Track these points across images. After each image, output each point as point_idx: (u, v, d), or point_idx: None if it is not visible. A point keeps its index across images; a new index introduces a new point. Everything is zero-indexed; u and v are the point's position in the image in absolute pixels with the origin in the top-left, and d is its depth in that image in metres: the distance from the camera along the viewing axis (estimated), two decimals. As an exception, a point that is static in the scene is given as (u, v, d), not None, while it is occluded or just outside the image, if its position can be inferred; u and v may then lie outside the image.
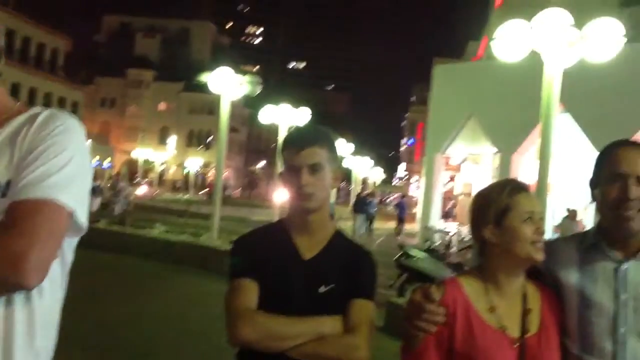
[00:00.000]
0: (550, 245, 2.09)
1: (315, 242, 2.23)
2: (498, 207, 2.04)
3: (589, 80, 14.39)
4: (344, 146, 39.19)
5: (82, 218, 1.55)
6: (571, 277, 2.10)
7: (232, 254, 2.26)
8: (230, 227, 17.35)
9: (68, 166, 1.51)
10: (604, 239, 2.10)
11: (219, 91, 14.89)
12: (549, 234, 13.75)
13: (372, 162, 59.06)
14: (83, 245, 1.78)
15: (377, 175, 70.60)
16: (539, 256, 2.01)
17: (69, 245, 1.62)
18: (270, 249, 2.20)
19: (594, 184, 2.15)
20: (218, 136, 15.93)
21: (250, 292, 2.12)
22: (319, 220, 2.24)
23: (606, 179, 2.08)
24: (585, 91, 15.97)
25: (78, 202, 1.52)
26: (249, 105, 71.05)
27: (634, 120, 18.02)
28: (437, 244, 14.54)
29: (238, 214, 28.55)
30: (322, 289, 2.15)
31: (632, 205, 2.00)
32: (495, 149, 22.92)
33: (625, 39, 8.65)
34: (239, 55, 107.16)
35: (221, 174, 15.66)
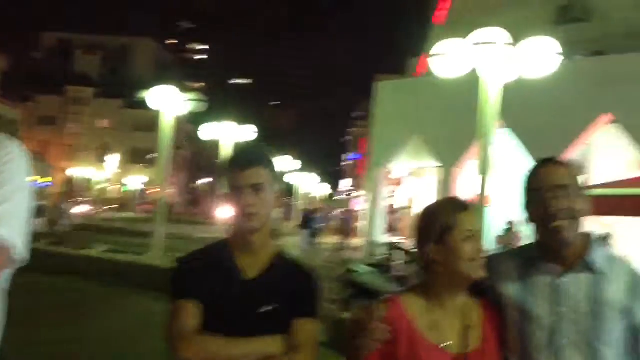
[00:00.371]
0: (491, 261, 2.14)
1: (258, 262, 2.23)
2: (441, 226, 2.07)
3: (528, 96, 14.76)
4: (290, 163, 39.21)
5: (23, 251, 1.52)
6: (511, 291, 2.15)
7: (173, 275, 2.24)
8: (174, 245, 17.09)
9: (10, 201, 1.48)
10: (542, 253, 2.15)
11: (158, 108, 14.74)
12: (491, 246, 14.01)
13: (318, 177, 59.28)
14: (22, 267, 1.74)
15: (323, 190, 70.84)
16: (479, 274, 2.05)
17: (7, 275, 1.59)
18: (212, 269, 2.19)
19: (525, 205, 2.22)
20: (159, 153, 15.75)
21: (191, 313, 2.10)
22: (261, 240, 2.24)
23: (531, 197, 2.16)
24: (523, 107, 16.35)
25: (18, 235, 1.50)
26: (194, 122, 70.45)
27: (571, 134, 18.58)
28: (381, 258, 14.63)
29: (181, 232, 28.15)
30: (265, 309, 2.15)
31: (559, 215, 2.07)
32: (437, 164, 23.26)
33: (561, 56, 8.92)
34: (183, 72, 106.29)
35: (164, 192, 15.47)
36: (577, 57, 17.33)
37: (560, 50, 9.01)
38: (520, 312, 2.11)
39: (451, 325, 2.06)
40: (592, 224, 2.18)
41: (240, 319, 2.11)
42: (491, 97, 9.10)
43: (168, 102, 14.75)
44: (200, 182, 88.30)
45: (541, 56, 8.94)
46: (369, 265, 11.40)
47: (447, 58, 9.07)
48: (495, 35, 8.83)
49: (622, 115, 17.80)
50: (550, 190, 2.10)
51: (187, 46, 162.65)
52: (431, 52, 9.29)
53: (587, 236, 2.15)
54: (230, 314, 2.12)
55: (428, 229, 2.11)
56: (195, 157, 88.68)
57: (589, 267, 2.09)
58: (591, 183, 15.77)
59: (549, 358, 2.04)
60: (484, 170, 9.10)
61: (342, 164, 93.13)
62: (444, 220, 2.08)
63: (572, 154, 18.85)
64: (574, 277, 2.09)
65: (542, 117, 18.61)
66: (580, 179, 2.16)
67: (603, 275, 2.07)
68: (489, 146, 9.14)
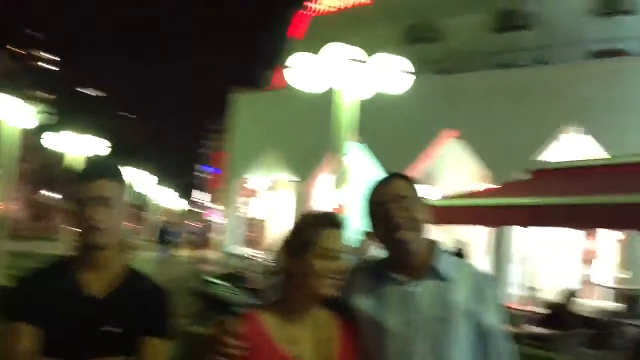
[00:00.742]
0: (346, 277, 2.15)
1: (106, 279, 2.12)
2: (300, 241, 2.06)
3: (380, 112, 15.27)
4: (145, 176, 38.16)
5: None
6: (364, 304, 2.18)
7: (8, 295, 2.08)
8: (16, 263, 16.06)
9: None
10: (391, 265, 2.20)
11: (1, 118, 13.87)
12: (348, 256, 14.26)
13: (174, 191, 58.13)
14: None
15: (179, 203, 69.45)
16: (329, 292, 2.05)
17: None
18: (52, 288, 2.06)
19: (370, 221, 2.27)
20: (2, 166, 14.79)
21: (25, 336, 1.97)
22: (110, 256, 2.14)
23: (375, 212, 2.22)
24: (377, 122, 16.88)
25: None
26: (40, 133, 66.77)
27: (420, 149, 19.44)
28: (236, 270, 14.54)
29: (26, 248, 26.53)
30: (112, 328, 2.05)
31: (403, 225, 2.13)
32: (293, 177, 23.50)
33: (413, 74, 9.28)
34: (32, 83, 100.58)
35: (7, 207, 14.52)
36: (425, 75, 18.16)
37: (411, 68, 9.37)
38: (373, 324, 2.14)
39: (308, 339, 2.06)
40: (441, 233, 2.27)
41: (84, 339, 2.00)
42: (346, 112, 9.30)
43: (12, 113, 13.91)
44: (47, 195, 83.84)
45: (393, 73, 9.24)
46: (224, 277, 11.28)
47: (302, 71, 9.18)
48: (349, 51, 9.04)
49: (465, 130, 18.86)
50: (392, 202, 2.16)
51: (36, 54, 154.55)
52: (286, 65, 9.37)
53: (432, 244, 2.23)
54: (72, 334, 2.00)
55: (290, 242, 2.10)
56: (43, 169, 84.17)
57: (435, 274, 2.16)
58: (439, 194, 16.55)
59: None
60: (339, 184, 9.28)
61: (199, 176, 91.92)
62: (304, 236, 2.07)
63: (421, 167, 19.74)
64: (422, 285, 2.15)
65: (394, 132, 19.34)
66: (420, 191, 2.24)
67: (449, 281, 2.15)
68: (344, 160, 9.34)
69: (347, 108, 9.31)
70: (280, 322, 2.05)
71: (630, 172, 8.20)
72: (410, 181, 2.26)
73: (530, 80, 18.55)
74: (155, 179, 41.61)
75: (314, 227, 2.09)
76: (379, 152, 19.69)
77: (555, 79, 17.92)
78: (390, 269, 2.19)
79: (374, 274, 2.23)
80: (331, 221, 2.13)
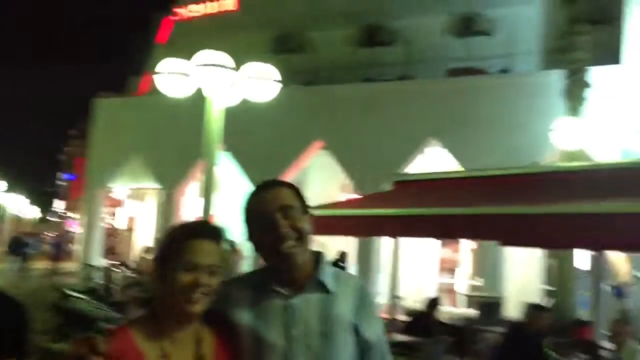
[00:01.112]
0: (223, 289, 2.04)
1: None
2: (167, 253, 1.94)
3: (248, 121, 15.22)
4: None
5: None
6: (245, 318, 2.08)
7: None
8: None
9: None
10: (273, 277, 2.11)
11: None
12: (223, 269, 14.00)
13: (27, 199, 55.03)
14: None
15: (34, 212, 65.96)
16: (194, 309, 1.92)
17: None
18: None
19: (249, 230, 2.16)
20: None
21: None
22: None
23: (256, 221, 2.11)
24: (243, 131, 16.81)
25: None
26: None
27: (287, 159, 19.56)
28: (98, 282, 13.96)
29: None
30: None
31: (289, 236, 2.05)
32: (157, 185, 22.91)
33: (281, 83, 9.30)
34: None
35: None
36: (293, 86, 18.30)
37: (279, 77, 9.38)
38: (253, 338, 2.05)
39: (182, 356, 1.94)
40: (319, 244, 2.21)
41: None
42: (215, 120, 9.17)
43: None
44: None
45: (262, 82, 9.22)
46: (85, 290, 10.76)
47: (171, 77, 8.96)
48: (217, 58, 8.92)
49: (332, 141, 19.19)
50: (278, 211, 2.06)
51: None
52: (155, 71, 9.12)
53: (317, 255, 2.16)
54: None
55: (157, 254, 1.97)
56: None
57: (320, 287, 2.09)
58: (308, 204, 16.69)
59: None
60: (207, 193, 9.10)
61: (57, 184, 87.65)
62: (171, 248, 1.95)
63: (289, 178, 19.85)
64: (304, 298, 2.07)
65: (262, 142, 19.36)
66: (304, 200, 2.17)
67: (333, 294, 2.09)
68: (212, 168, 9.18)
69: (216, 116, 9.18)
70: (152, 338, 1.91)
71: (485, 185, 8.60)
72: (296, 190, 2.18)
73: (394, 94, 19.16)
74: (4, 185, 39.04)
75: (182, 238, 1.96)
76: (247, 161, 19.64)
77: (417, 94, 18.61)
78: (273, 281, 2.10)
79: (255, 286, 2.13)
80: (202, 232, 2.00)
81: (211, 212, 9.06)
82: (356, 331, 2.08)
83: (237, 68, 9.05)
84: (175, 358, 1.92)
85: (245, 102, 9.72)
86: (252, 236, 2.14)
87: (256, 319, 2.07)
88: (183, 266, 1.91)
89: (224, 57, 8.96)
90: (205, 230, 2.02)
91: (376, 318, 2.17)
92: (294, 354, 2.02)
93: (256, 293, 2.11)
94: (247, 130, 17.48)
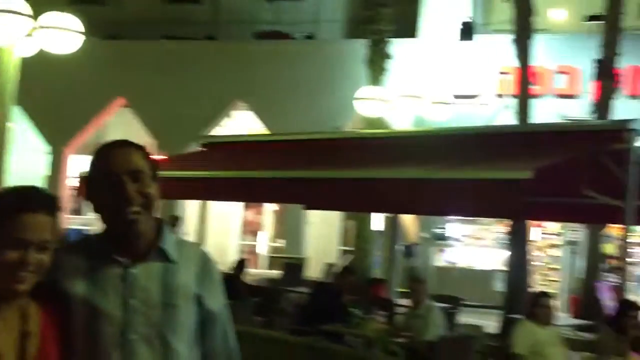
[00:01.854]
0: (54, 256, 1.86)
1: None
2: None
3: (42, 74, 14.23)
4: None
5: None
6: (78, 288, 1.92)
7: None
8: None
9: None
10: (111, 244, 1.97)
11: None
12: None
13: None
14: None
15: None
16: (18, 289, 1.75)
17: None
18: None
19: (90, 191, 1.99)
20: None
21: None
22: None
23: (99, 183, 1.95)
24: (37, 86, 15.66)
25: None
26: None
27: (87, 115, 18.62)
28: None
29: None
30: None
31: (136, 202, 1.92)
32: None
33: (83, 34, 8.77)
34: None
35: None
36: (94, 39, 17.29)
37: (81, 29, 8.83)
38: (88, 309, 1.90)
39: (8, 334, 1.76)
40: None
41: None
42: (8, 71, 8.44)
43: None
44: None
45: (62, 33, 8.62)
46: None
47: None
48: (13, 4, 8.18)
49: (135, 99, 18.52)
50: (126, 174, 1.93)
51: None
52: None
53: (159, 222, 2.06)
54: None
55: None
56: None
57: (161, 256, 1.99)
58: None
59: (119, 355, 1.90)
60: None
61: None
62: None
63: (87, 135, 18.90)
64: (145, 267, 1.96)
65: (57, 97, 18.23)
66: (155, 165, 2.04)
67: (174, 263, 2.00)
68: (5, 125, 8.49)
69: (10, 67, 8.45)
70: None
71: (290, 149, 8.71)
72: (145, 152, 2.03)
73: (200, 54, 18.85)
74: None
75: (10, 210, 1.75)
76: (41, 118, 18.47)
77: (224, 55, 18.46)
78: (111, 248, 1.96)
79: (91, 254, 1.97)
80: (32, 203, 1.79)
81: (3, 175, 8.39)
82: (199, 301, 2.01)
83: (35, 17, 8.38)
84: (1, 336, 1.75)
85: (41, 54, 9.09)
86: (95, 196, 1.98)
87: (91, 289, 1.92)
88: (9, 243, 1.73)
89: (20, 4, 8.25)
90: (36, 200, 1.82)
91: (219, 288, 2.11)
92: (131, 325, 1.91)
93: (92, 261, 1.96)
94: (42, 84, 16.36)
